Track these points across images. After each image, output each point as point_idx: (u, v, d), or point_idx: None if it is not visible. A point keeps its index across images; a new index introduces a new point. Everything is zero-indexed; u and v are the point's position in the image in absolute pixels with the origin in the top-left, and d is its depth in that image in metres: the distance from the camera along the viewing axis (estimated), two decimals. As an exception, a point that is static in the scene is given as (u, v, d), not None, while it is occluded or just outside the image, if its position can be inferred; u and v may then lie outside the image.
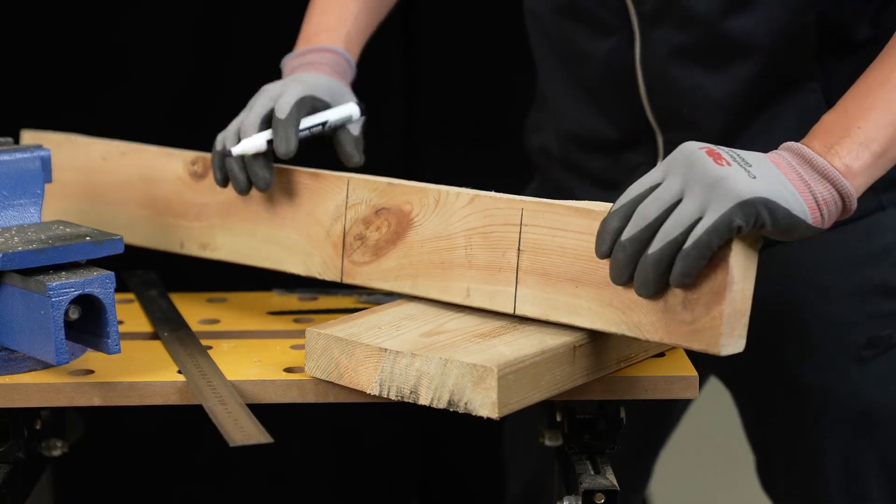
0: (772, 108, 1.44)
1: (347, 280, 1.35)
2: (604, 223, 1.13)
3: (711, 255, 1.09)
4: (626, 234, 1.11)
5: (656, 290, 1.11)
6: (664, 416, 1.74)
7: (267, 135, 1.36)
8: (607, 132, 1.53)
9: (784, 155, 1.16)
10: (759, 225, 1.09)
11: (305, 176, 1.38)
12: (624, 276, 1.12)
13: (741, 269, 1.11)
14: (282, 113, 1.36)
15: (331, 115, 1.40)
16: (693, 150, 1.12)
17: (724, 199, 1.08)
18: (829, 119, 1.21)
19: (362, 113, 1.43)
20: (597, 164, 1.55)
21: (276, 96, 1.38)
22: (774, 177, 1.11)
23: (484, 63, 2.26)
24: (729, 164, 1.10)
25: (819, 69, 1.43)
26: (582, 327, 1.20)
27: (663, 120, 1.47)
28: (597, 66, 1.49)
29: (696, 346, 1.13)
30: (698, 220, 1.09)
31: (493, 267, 1.25)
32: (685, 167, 1.11)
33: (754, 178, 1.10)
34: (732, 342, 1.12)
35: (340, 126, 1.41)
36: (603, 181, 1.54)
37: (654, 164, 1.49)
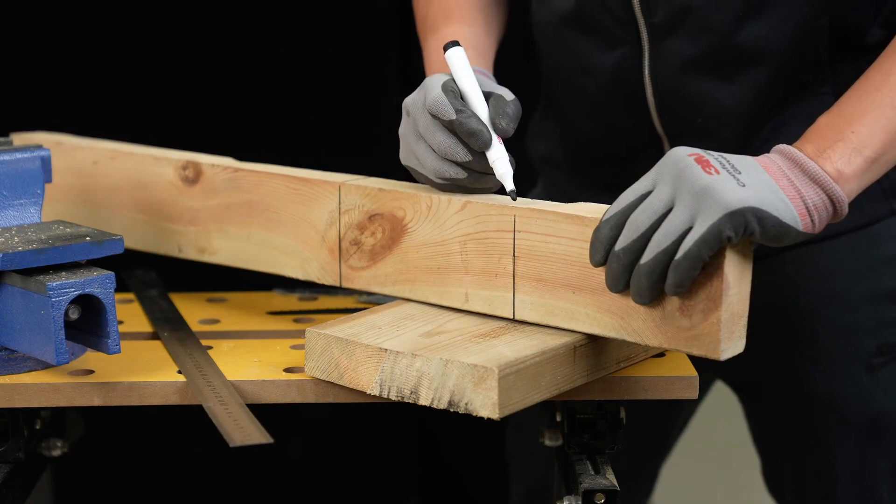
0: (784, 112, 1.43)
1: (346, 284, 1.35)
2: (596, 232, 1.13)
3: (704, 265, 1.09)
4: (619, 244, 1.11)
5: (651, 298, 1.11)
6: (670, 422, 1.74)
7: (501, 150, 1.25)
8: (613, 143, 1.52)
9: (775, 159, 1.15)
10: (749, 234, 1.08)
11: (296, 181, 1.38)
12: (620, 285, 1.12)
13: (736, 274, 1.11)
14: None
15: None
16: (681, 158, 1.11)
17: (713, 209, 1.07)
18: (823, 121, 1.20)
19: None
20: (603, 174, 1.54)
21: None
22: (764, 184, 1.11)
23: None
24: (717, 171, 1.09)
25: (831, 72, 1.42)
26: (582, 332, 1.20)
27: (673, 130, 1.46)
28: (603, 79, 1.47)
29: (696, 352, 1.13)
30: (689, 229, 1.08)
31: (490, 272, 1.25)
32: (674, 176, 1.10)
33: (743, 185, 1.09)
34: (731, 345, 1.12)
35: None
36: (609, 187, 1.53)
37: None
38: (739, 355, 1.15)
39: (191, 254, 1.48)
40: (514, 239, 1.23)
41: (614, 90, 1.47)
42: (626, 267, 1.11)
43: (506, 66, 1.53)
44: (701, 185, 1.08)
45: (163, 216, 1.49)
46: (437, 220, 1.28)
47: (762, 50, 1.39)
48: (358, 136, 2.33)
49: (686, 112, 1.44)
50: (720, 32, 1.38)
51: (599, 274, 1.16)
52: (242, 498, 2.48)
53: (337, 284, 1.36)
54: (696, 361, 1.25)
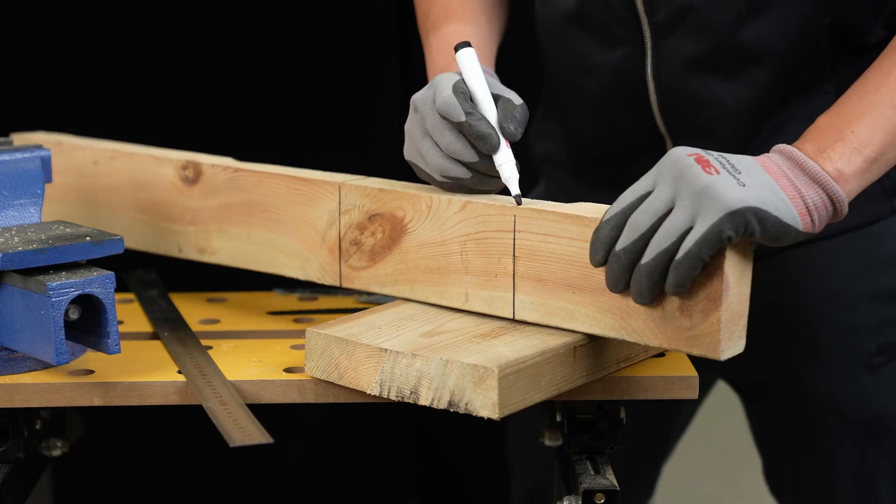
0: (785, 112, 1.43)
1: (346, 285, 1.35)
2: (596, 232, 1.13)
3: (704, 265, 1.09)
4: (620, 245, 1.11)
5: (651, 298, 1.11)
6: (670, 422, 1.73)
7: (506, 151, 1.26)
8: (614, 143, 1.52)
9: (775, 158, 1.15)
10: (749, 234, 1.08)
11: (296, 181, 1.38)
12: (620, 285, 1.12)
13: (736, 274, 1.11)
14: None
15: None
16: (681, 158, 1.11)
17: (713, 209, 1.07)
18: (823, 121, 1.20)
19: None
20: (604, 174, 1.54)
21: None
22: (764, 183, 1.11)
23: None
24: (717, 171, 1.09)
25: (832, 72, 1.42)
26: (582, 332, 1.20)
27: (676, 129, 1.46)
28: (605, 78, 1.47)
29: (696, 352, 1.13)
30: (689, 229, 1.08)
31: (490, 273, 1.25)
32: (674, 176, 1.11)
33: (743, 185, 1.09)
34: (731, 345, 1.12)
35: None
36: (611, 186, 1.53)
37: None
38: (739, 355, 1.15)
39: (191, 254, 1.48)
40: (514, 239, 1.23)
41: (616, 89, 1.47)
42: (627, 267, 1.11)
43: (507, 66, 1.53)
44: (701, 185, 1.08)
45: (163, 216, 1.49)
46: (437, 220, 1.28)
47: (763, 49, 1.39)
48: (358, 136, 2.33)
49: (688, 111, 1.44)
50: (721, 32, 1.38)
51: (599, 274, 1.16)
52: (242, 498, 2.48)
53: (337, 284, 1.36)
54: (697, 361, 1.25)
